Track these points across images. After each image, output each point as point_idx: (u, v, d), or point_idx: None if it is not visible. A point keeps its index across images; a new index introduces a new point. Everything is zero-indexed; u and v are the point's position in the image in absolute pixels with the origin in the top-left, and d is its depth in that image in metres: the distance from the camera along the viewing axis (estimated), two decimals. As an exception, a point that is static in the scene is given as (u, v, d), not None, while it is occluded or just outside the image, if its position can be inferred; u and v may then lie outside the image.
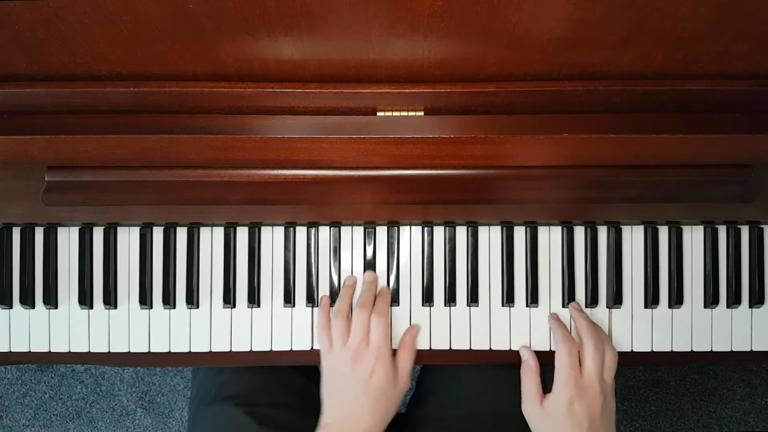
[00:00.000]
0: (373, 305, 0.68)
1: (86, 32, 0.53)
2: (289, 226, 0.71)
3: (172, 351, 0.71)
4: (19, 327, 0.71)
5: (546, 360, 0.70)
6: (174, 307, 0.71)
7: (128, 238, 0.71)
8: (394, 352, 0.68)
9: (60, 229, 0.71)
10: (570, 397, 0.61)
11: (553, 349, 0.70)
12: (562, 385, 0.62)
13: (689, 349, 0.71)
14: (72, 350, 0.71)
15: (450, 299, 0.71)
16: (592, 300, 0.71)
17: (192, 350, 0.71)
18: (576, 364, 0.64)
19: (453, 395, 0.74)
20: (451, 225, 0.71)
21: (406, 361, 0.68)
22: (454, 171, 0.64)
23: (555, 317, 0.70)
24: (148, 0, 0.50)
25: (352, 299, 0.70)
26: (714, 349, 0.71)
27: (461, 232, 0.71)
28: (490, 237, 0.71)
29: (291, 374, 0.77)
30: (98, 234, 0.71)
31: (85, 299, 0.70)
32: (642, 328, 0.71)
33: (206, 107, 0.61)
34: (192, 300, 0.70)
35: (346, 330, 0.66)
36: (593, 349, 0.63)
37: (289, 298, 0.71)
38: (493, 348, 0.71)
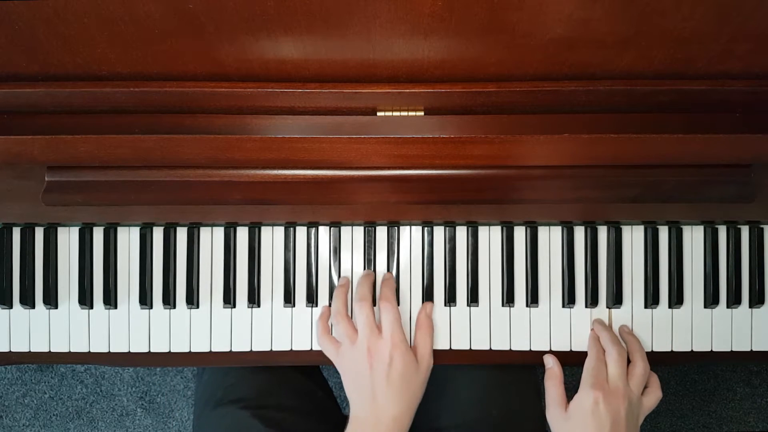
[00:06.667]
0: (374, 296, 0.66)
1: (86, 32, 0.53)
2: (289, 226, 0.71)
3: (172, 351, 0.71)
4: (19, 327, 0.71)
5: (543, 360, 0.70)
6: (174, 307, 0.71)
7: (128, 238, 0.71)
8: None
9: (60, 229, 0.71)
10: (595, 397, 0.62)
11: (553, 349, 0.70)
12: (588, 386, 0.63)
13: (689, 349, 0.71)
14: (72, 350, 0.71)
15: (450, 299, 0.71)
16: (592, 300, 0.71)
17: (192, 350, 0.71)
18: (604, 369, 0.64)
19: (447, 403, 0.74)
20: (451, 225, 0.71)
21: (425, 342, 0.67)
22: (454, 171, 0.64)
23: (600, 321, 0.70)
24: (148, 0, 0.50)
25: (347, 299, 0.69)
26: (714, 349, 0.71)
27: (461, 232, 0.71)
28: (490, 237, 0.71)
29: (297, 377, 0.77)
30: (98, 234, 0.71)
31: (85, 299, 0.70)
32: (642, 328, 0.71)
33: (206, 107, 0.61)
34: (192, 300, 0.70)
35: (350, 328, 0.66)
36: (616, 355, 0.64)
37: (289, 298, 0.71)
38: (493, 348, 0.71)
